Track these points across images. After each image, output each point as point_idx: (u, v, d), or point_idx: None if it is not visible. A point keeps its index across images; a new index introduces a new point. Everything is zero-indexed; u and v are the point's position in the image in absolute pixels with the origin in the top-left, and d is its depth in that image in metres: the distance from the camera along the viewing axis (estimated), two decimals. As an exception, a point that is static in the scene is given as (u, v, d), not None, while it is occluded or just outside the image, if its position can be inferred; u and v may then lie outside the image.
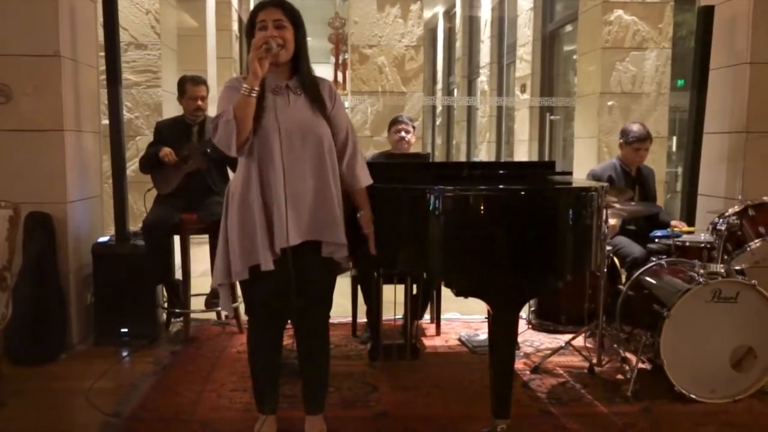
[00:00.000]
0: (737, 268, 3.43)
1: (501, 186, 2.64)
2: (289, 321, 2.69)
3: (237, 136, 2.32)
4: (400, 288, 3.70)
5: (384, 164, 3.77)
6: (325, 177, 2.45)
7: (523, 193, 2.54)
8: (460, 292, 2.58)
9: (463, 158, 11.80)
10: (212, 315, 4.35)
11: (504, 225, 2.49)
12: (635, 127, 4.06)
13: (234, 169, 4.04)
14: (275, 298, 2.49)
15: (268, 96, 2.42)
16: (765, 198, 3.39)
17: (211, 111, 4.27)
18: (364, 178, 2.58)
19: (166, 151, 3.87)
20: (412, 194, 2.61)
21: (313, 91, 2.48)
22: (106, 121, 4.21)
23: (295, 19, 2.44)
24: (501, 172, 3.22)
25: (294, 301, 2.47)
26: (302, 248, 2.43)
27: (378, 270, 3.47)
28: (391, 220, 2.63)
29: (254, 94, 2.31)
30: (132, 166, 5.14)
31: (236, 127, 2.31)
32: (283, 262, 2.38)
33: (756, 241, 3.32)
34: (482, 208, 2.50)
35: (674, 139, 7.15)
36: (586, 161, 5.93)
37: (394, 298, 3.70)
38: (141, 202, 4.19)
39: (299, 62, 2.48)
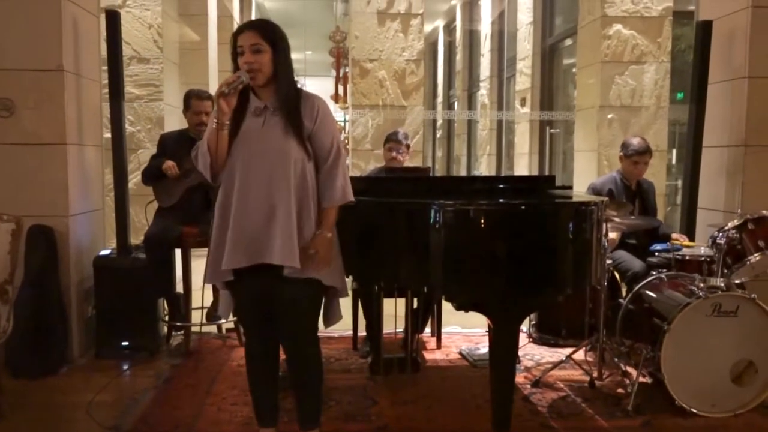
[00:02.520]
0: (737, 281, 3.44)
1: (501, 200, 2.66)
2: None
3: (212, 165, 2.42)
4: (401, 301, 3.71)
5: (385, 179, 3.79)
6: (285, 199, 2.40)
7: (523, 207, 2.56)
8: (461, 306, 2.60)
9: (463, 171, 11.83)
10: (213, 328, 4.35)
11: (504, 239, 2.50)
12: (635, 141, 4.09)
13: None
14: (248, 313, 2.59)
15: (248, 118, 2.46)
16: (764, 212, 3.40)
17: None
18: (336, 198, 2.48)
19: (169, 164, 3.89)
20: (413, 208, 2.63)
21: (290, 110, 2.45)
22: (107, 135, 4.24)
23: (273, 38, 2.44)
24: (501, 186, 3.23)
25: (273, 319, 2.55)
26: (260, 271, 2.44)
27: (379, 284, 3.48)
28: (391, 234, 2.64)
29: (225, 129, 2.37)
30: (134, 179, 5.16)
31: (210, 157, 2.40)
32: (250, 279, 2.47)
33: (755, 254, 3.33)
34: (483, 222, 2.52)
35: (674, 152, 7.17)
36: (586, 174, 5.95)
37: (394, 312, 3.72)
38: (142, 215, 4.21)
39: (278, 81, 2.46)
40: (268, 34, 2.43)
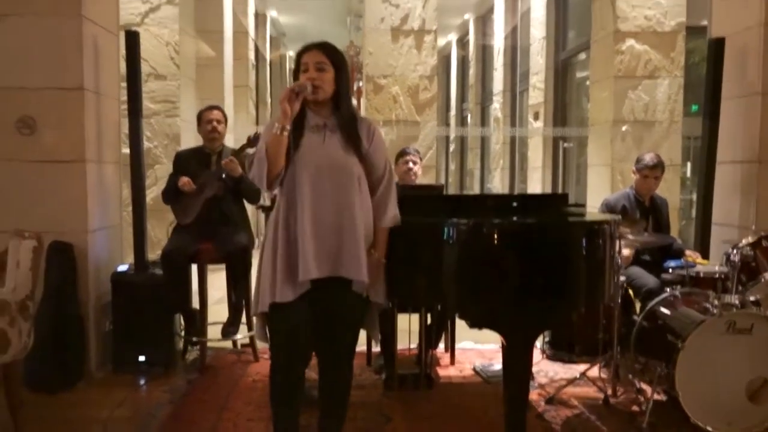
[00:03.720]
0: (752, 299, 3.42)
1: (516, 219, 2.68)
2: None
3: (268, 171, 2.42)
4: (414, 317, 3.73)
5: (399, 197, 3.81)
6: (351, 214, 2.47)
7: (537, 226, 2.57)
8: (474, 323, 2.62)
9: (476, 185, 11.84)
10: (228, 343, 4.38)
11: (518, 258, 2.52)
12: (647, 156, 4.12)
13: (249, 200, 4.13)
14: (299, 331, 2.50)
15: (306, 134, 2.50)
16: (779, 229, 3.40)
17: (228, 140, 4.36)
18: (388, 219, 2.58)
19: (184, 180, 3.95)
20: (427, 227, 2.65)
21: (350, 129, 2.53)
22: (125, 150, 4.31)
23: (337, 60, 2.53)
24: (515, 204, 3.25)
25: (315, 336, 2.54)
26: (331, 283, 2.47)
27: (393, 300, 3.49)
28: (406, 252, 2.66)
29: (285, 133, 2.40)
30: (150, 195, 5.22)
31: (267, 163, 2.40)
32: (311, 295, 2.46)
33: (770, 272, 3.32)
34: (497, 240, 2.54)
35: (688, 165, 7.15)
36: (599, 189, 5.95)
37: (408, 327, 3.74)
38: (158, 229, 4.26)
39: (339, 101, 2.55)
40: (332, 55, 2.52)
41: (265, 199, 3.86)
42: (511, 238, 2.55)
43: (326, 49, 2.54)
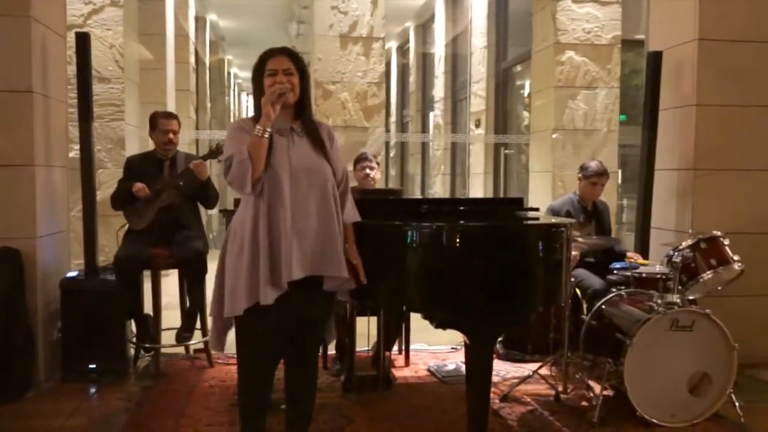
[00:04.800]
0: (690, 297, 3.63)
1: (483, 222, 2.77)
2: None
3: (251, 174, 2.44)
4: (372, 319, 3.79)
5: (358, 201, 3.87)
6: (329, 214, 2.54)
7: (499, 228, 2.68)
8: (440, 324, 2.70)
9: (417, 190, 11.99)
10: (180, 349, 4.33)
11: (481, 260, 2.61)
12: (593, 164, 4.32)
13: (206, 205, 4.11)
14: (275, 333, 2.53)
15: (275, 137, 2.53)
16: (715, 232, 3.61)
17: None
18: (352, 215, 2.69)
19: (139, 186, 3.89)
20: (391, 230, 2.72)
21: (315, 133, 2.62)
22: (71, 154, 4.20)
23: (301, 66, 2.59)
24: (472, 208, 3.35)
25: (292, 336, 2.58)
26: (305, 283, 2.51)
27: (353, 303, 3.54)
28: (370, 256, 2.71)
29: (267, 136, 2.44)
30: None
31: (251, 166, 2.42)
32: (286, 297, 2.48)
33: (708, 272, 3.52)
34: (459, 243, 2.62)
35: (619, 172, 7.44)
36: (541, 195, 6.16)
37: (367, 330, 3.79)
38: (102, 235, 4.16)
39: (303, 106, 2.62)
40: (296, 61, 2.58)
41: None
42: (474, 240, 2.64)
43: (292, 55, 2.60)
